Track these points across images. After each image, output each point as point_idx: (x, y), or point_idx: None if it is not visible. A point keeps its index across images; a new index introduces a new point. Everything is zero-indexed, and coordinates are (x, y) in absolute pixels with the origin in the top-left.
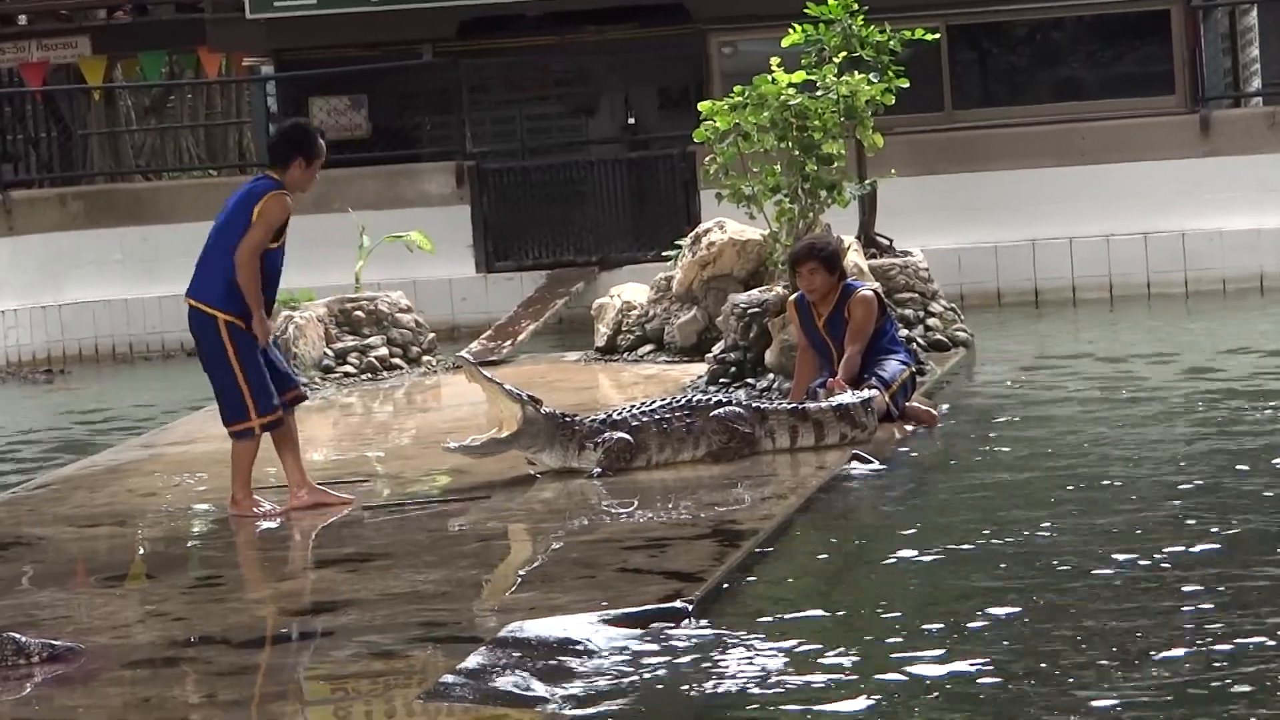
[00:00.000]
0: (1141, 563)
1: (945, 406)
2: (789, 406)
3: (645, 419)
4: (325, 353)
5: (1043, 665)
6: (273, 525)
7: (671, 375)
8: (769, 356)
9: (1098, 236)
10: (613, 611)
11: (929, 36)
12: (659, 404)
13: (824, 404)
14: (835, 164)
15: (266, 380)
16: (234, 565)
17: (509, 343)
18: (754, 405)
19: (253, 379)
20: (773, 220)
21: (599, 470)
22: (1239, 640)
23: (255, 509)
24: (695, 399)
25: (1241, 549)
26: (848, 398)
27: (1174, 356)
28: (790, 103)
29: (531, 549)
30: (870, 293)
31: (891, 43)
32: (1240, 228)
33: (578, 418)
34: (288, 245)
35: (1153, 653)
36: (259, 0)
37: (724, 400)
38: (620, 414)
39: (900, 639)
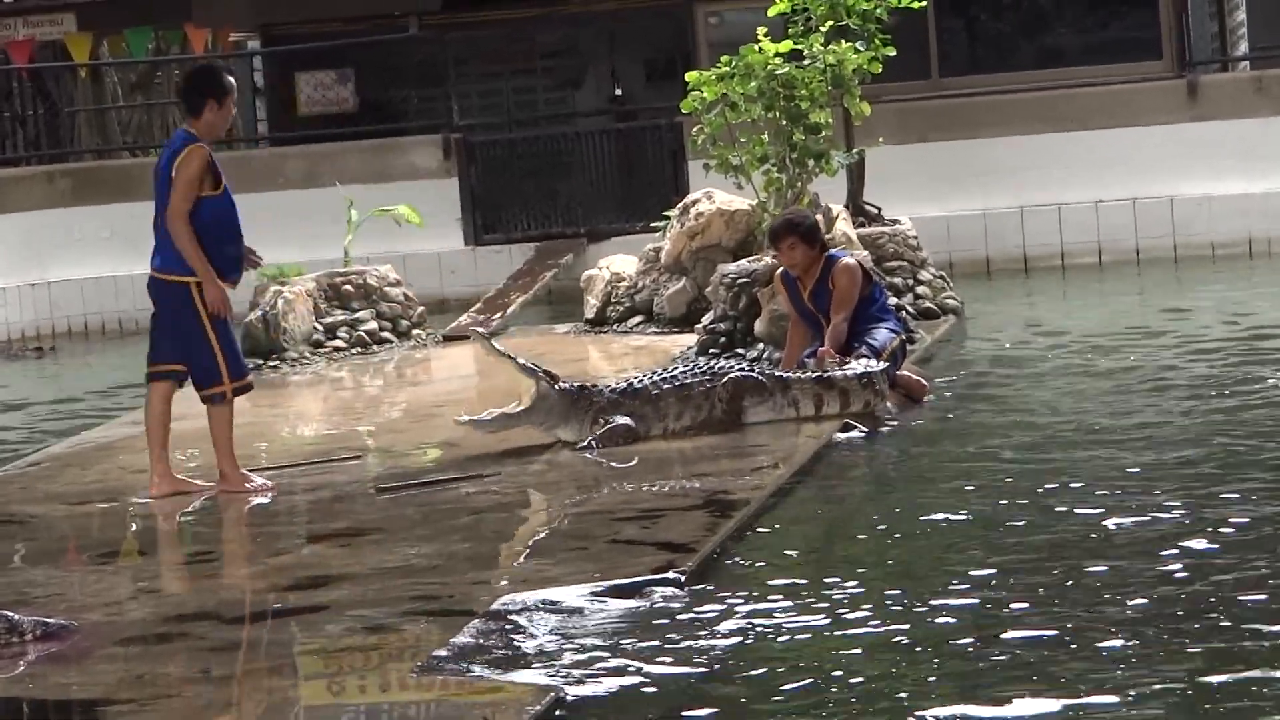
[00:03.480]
0: (1134, 526)
1: (935, 377)
2: (814, 375)
3: (665, 386)
4: (315, 327)
5: (1027, 630)
6: (264, 501)
7: (661, 346)
8: (759, 326)
9: (1086, 203)
10: (605, 583)
11: (916, 4)
12: (680, 370)
13: (849, 372)
14: (823, 133)
15: (237, 344)
16: (226, 541)
17: (498, 315)
18: (777, 374)
19: (224, 341)
20: (761, 190)
21: (588, 443)
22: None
23: (246, 484)
24: (717, 365)
25: (1237, 506)
26: (872, 365)
27: (1164, 321)
28: (777, 72)
29: (523, 522)
30: (853, 261)
31: (878, 11)
32: (1228, 192)
33: (596, 389)
34: (277, 215)
35: (1139, 623)
36: None
37: (744, 367)
38: (641, 382)
39: (890, 606)
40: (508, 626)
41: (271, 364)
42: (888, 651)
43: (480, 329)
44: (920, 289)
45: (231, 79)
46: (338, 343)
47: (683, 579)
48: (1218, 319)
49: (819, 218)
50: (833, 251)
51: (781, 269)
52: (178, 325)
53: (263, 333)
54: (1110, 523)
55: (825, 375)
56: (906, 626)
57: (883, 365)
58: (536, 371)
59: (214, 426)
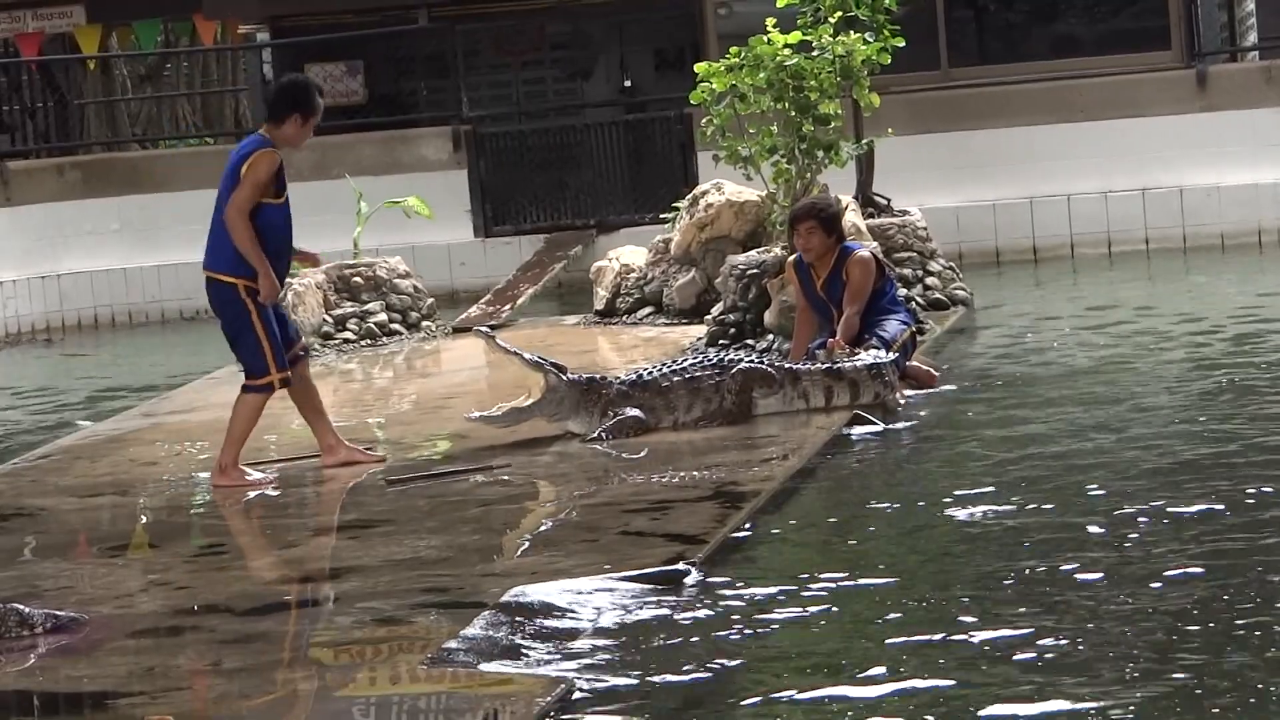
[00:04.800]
0: (1148, 521)
1: (946, 367)
2: (824, 367)
3: (675, 379)
4: (324, 319)
5: (1039, 624)
6: (269, 494)
7: (671, 337)
8: (768, 317)
9: (1095, 193)
10: (615, 574)
11: None
12: (689, 362)
13: (858, 363)
14: (832, 124)
15: (280, 340)
16: (236, 533)
17: (508, 307)
18: (786, 366)
19: (272, 338)
20: (770, 181)
21: (598, 434)
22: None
23: (244, 479)
24: (727, 356)
25: (1240, 506)
26: (881, 356)
27: (1175, 311)
28: (786, 63)
29: (533, 513)
30: (868, 254)
31: (887, 2)
32: (1237, 182)
33: (606, 380)
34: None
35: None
36: None
37: (753, 359)
38: (650, 374)
39: (900, 599)
40: (518, 618)
41: None
42: (898, 643)
43: (484, 327)
44: (930, 280)
45: (322, 101)
46: (347, 335)
47: (693, 570)
48: (1232, 309)
49: None
50: (849, 243)
51: (794, 256)
52: (227, 321)
53: None
54: (1124, 517)
55: (835, 366)
56: (917, 619)
57: (892, 356)
58: (544, 365)
59: (238, 416)
